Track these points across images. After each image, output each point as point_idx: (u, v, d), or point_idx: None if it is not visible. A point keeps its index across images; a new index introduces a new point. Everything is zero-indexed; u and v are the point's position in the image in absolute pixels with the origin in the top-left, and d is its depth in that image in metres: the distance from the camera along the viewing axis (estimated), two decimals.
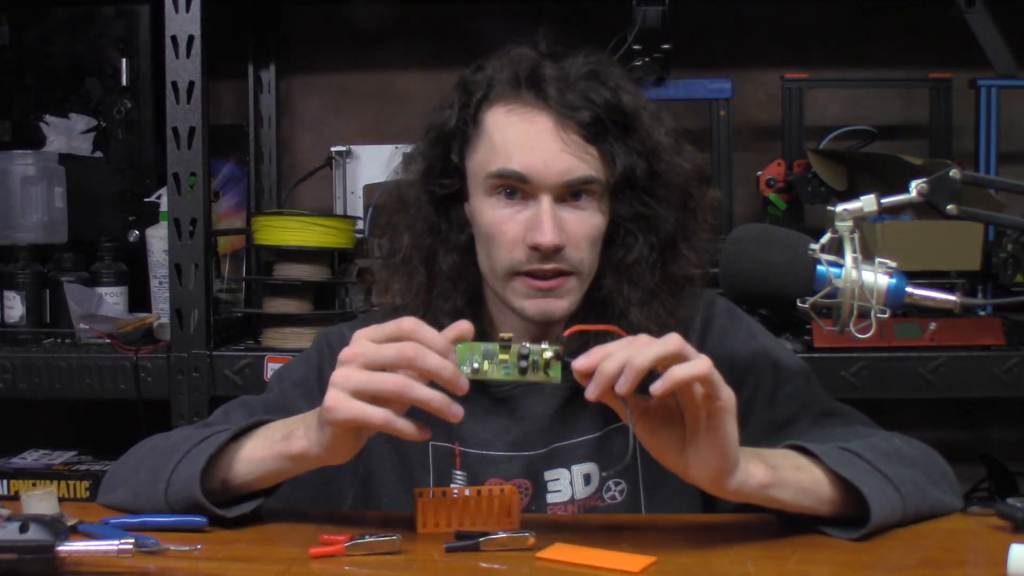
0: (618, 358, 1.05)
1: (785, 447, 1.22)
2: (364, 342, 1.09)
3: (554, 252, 1.28)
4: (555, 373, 1.10)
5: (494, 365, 1.10)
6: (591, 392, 1.06)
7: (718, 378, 1.06)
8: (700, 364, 1.05)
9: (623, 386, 1.04)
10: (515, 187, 1.30)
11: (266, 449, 1.19)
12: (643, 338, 1.07)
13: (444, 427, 1.37)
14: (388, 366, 1.07)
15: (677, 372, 1.04)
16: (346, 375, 1.08)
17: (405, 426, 1.08)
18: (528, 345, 1.11)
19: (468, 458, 1.37)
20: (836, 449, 1.21)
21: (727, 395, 1.07)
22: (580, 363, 1.07)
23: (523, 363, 1.10)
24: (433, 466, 1.38)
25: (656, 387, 1.04)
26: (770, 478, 1.13)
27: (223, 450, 1.21)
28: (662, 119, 1.36)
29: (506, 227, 1.30)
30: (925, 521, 1.22)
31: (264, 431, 1.22)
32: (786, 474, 1.15)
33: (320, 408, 1.11)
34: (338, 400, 1.08)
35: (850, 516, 1.16)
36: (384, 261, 1.42)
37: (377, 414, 1.08)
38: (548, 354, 1.10)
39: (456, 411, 1.08)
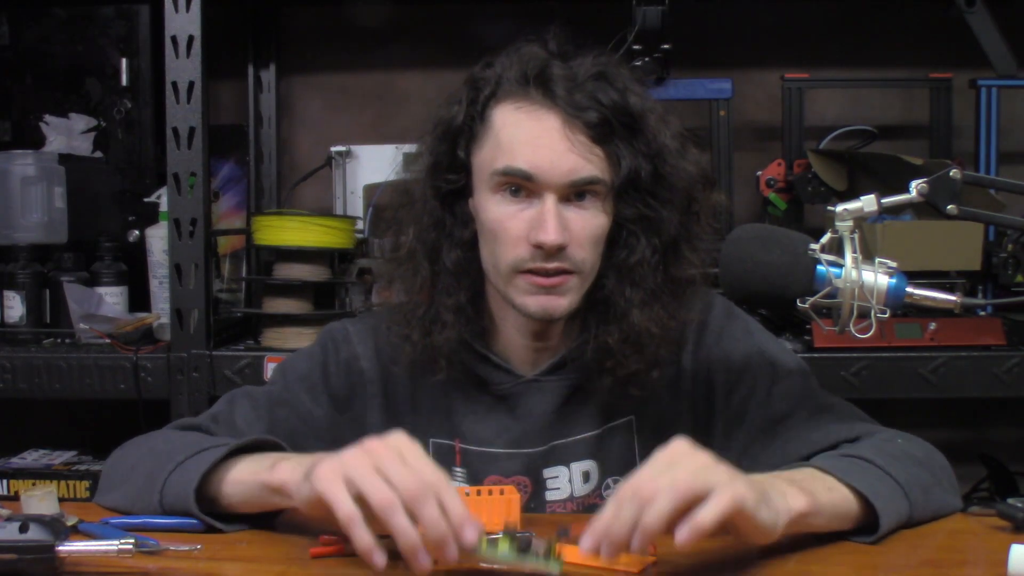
0: (626, 522, 1.00)
1: (800, 464, 1.22)
2: (395, 462, 1.03)
3: (557, 251, 1.28)
4: (555, 568, 1.04)
5: (492, 549, 1.05)
6: (606, 555, 1.01)
7: (747, 501, 1.01)
8: (722, 500, 1.00)
9: (637, 549, 1.00)
10: (520, 185, 1.30)
11: (252, 475, 1.19)
12: (646, 488, 1.01)
13: (445, 424, 1.37)
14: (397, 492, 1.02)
15: (703, 520, 0.99)
16: (356, 465, 1.04)
17: (363, 543, 1.01)
18: (528, 539, 1.05)
19: (468, 455, 1.38)
20: (848, 460, 1.21)
21: (761, 515, 1.03)
22: (587, 545, 1.01)
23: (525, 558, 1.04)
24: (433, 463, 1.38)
25: (682, 537, 0.99)
26: (809, 506, 1.11)
27: (219, 466, 1.21)
28: (669, 122, 1.36)
29: (510, 224, 1.30)
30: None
31: (258, 456, 1.22)
32: (822, 498, 1.14)
33: (313, 465, 1.08)
34: (330, 481, 1.04)
35: (860, 524, 1.17)
36: (388, 255, 1.42)
37: (346, 510, 1.02)
38: (554, 570, 1.03)
39: (378, 560, 1.02)
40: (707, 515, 0.99)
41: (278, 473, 1.15)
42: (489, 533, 1.13)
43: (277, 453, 1.24)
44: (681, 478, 1.01)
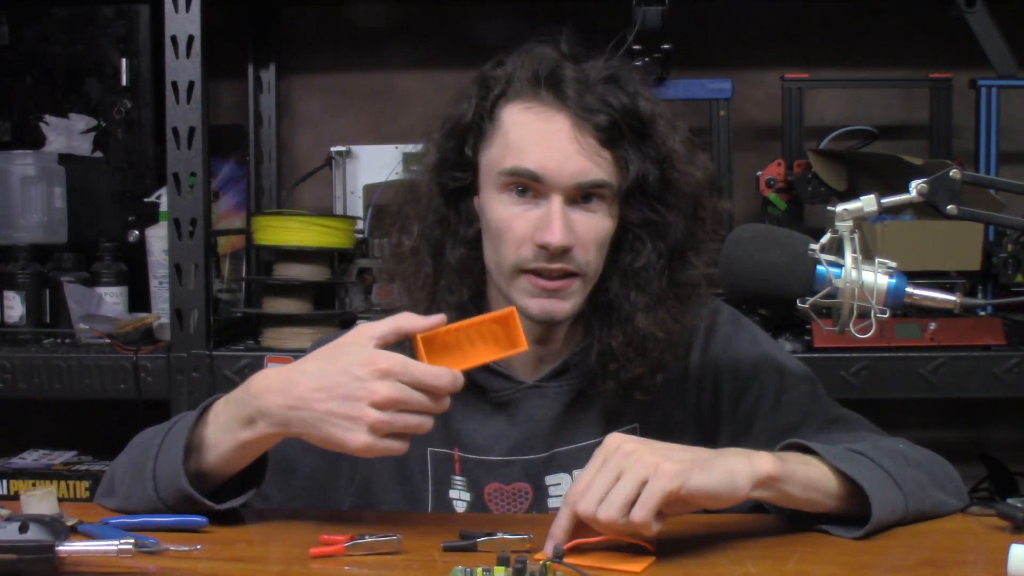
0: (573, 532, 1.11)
1: (787, 445, 1.22)
2: (403, 387, 1.12)
3: (561, 253, 1.28)
4: None
5: None
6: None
7: (673, 480, 1.07)
8: (649, 498, 1.07)
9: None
10: (527, 185, 1.30)
11: (226, 437, 1.20)
12: (586, 509, 1.09)
13: (443, 433, 1.37)
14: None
15: (638, 519, 1.07)
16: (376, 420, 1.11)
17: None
18: (523, 563, 1.04)
19: (467, 463, 1.37)
20: (840, 449, 1.22)
21: (695, 481, 1.09)
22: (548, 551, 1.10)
23: None
24: (432, 472, 1.38)
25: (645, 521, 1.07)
26: (779, 470, 1.13)
27: (194, 436, 1.22)
28: (677, 127, 1.36)
29: (515, 224, 1.30)
30: (926, 521, 1.23)
31: (225, 408, 1.22)
32: (794, 467, 1.16)
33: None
34: (370, 446, 1.12)
35: (853, 514, 1.17)
36: (392, 251, 1.42)
37: (396, 445, 1.14)
38: None
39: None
40: (639, 514, 1.06)
41: (259, 428, 1.18)
42: (487, 533, 1.13)
43: (232, 400, 1.22)
44: (605, 506, 1.07)
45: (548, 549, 1.09)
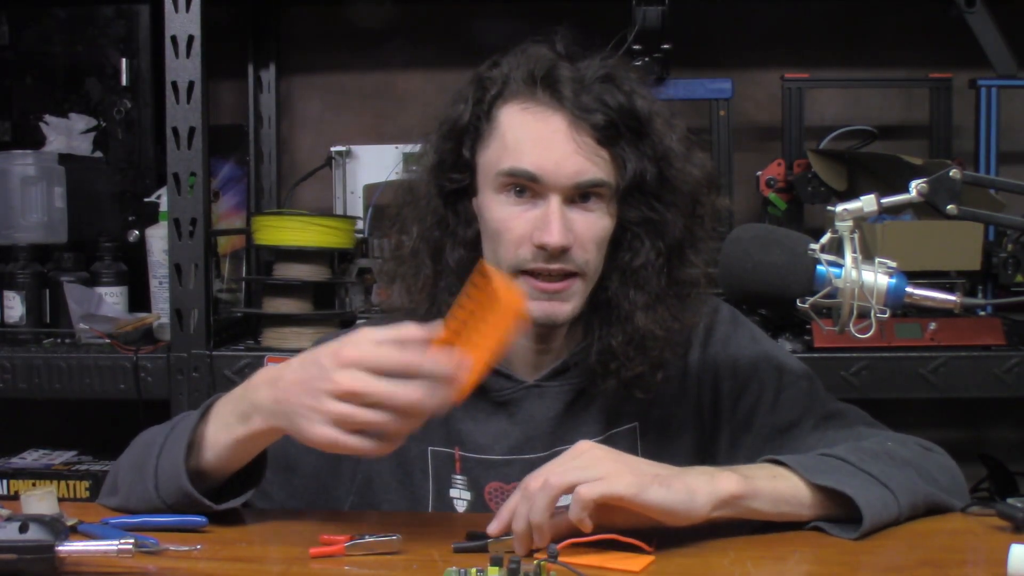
0: (521, 516, 1.10)
1: (763, 461, 1.23)
2: (365, 378, 1.07)
3: (560, 253, 1.28)
4: None
5: None
6: (519, 552, 1.11)
7: (627, 487, 1.08)
8: (591, 489, 1.08)
9: (539, 543, 1.10)
10: (525, 186, 1.30)
11: (226, 434, 1.19)
12: (532, 484, 1.11)
13: (444, 431, 1.37)
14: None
15: (573, 508, 1.08)
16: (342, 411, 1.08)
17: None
18: (516, 564, 1.03)
19: (468, 462, 1.37)
20: (815, 457, 1.22)
21: (650, 496, 1.09)
22: (493, 530, 1.13)
23: None
24: (433, 471, 1.38)
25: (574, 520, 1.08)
26: (743, 489, 1.14)
27: (195, 435, 1.21)
28: (675, 125, 1.36)
29: (513, 224, 1.30)
30: (928, 516, 1.23)
31: (224, 406, 1.21)
32: (761, 483, 1.16)
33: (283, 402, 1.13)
34: (331, 438, 1.08)
35: (840, 517, 1.17)
36: (392, 253, 1.42)
37: (359, 443, 1.09)
38: None
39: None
40: (585, 491, 1.07)
41: (255, 424, 1.17)
42: (492, 536, 1.13)
43: (233, 398, 1.21)
44: (557, 474, 1.10)
45: (491, 527, 1.13)
